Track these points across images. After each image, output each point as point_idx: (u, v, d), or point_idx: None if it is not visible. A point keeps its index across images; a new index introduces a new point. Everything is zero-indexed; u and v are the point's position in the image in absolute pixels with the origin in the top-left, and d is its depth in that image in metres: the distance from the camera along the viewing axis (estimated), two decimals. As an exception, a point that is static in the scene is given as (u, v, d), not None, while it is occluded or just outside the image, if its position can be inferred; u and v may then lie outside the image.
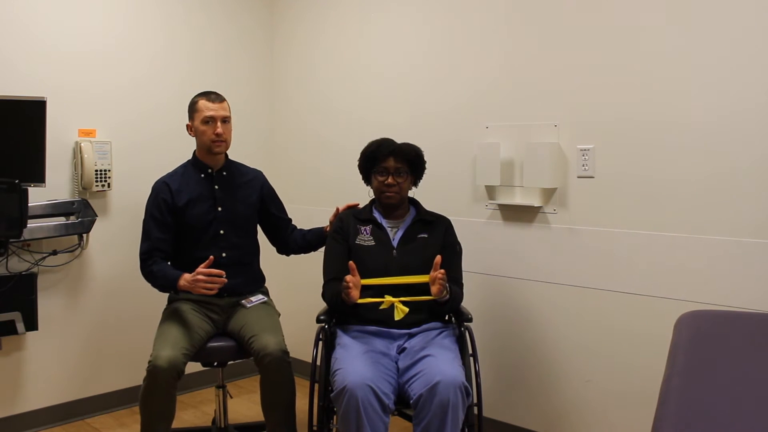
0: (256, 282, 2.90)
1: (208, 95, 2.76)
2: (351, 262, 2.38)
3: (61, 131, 3.08)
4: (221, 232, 2.75)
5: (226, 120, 2.74)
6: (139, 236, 2.68)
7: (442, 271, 2.33)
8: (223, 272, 2.53)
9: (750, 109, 2.25)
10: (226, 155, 2.85)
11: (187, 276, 2.56)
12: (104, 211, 3.26)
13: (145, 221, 2.76)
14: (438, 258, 2.35)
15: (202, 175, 2.78)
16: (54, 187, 3.04)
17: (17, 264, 2.98)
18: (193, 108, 2.76)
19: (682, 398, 1.22)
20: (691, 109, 2.37)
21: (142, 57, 3.37)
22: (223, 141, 2.74)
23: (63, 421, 3.19)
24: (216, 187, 2.78)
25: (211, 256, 2.56)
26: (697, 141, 2.37)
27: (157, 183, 2.79)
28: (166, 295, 2.90)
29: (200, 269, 2.52)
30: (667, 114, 2.43)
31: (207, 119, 2.70)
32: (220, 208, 2.76)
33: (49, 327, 3.12)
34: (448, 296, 2.39)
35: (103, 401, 3.32)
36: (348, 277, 2.34)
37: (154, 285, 2.70)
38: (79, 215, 3.10)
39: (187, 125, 2.79)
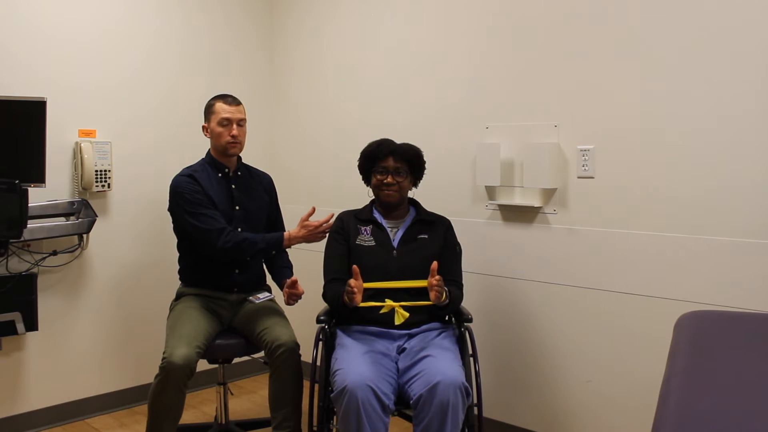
0: (262, 279, 2.95)
1: (225, 98, 2.80)
2: (355, 266, 2.38)
3: (61, 131, 3.08)
4: (239, 230, 2.76)
5: (241, 123, 2.79)
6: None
7: (438, 277, 2.33)
8: (333, 214, 2.70)
9: (750, 109, 2.25)
10: (239, 157, 2.89)
11: (293, 232, 2.70)
12: (104, 211, 3.26)
13: (188, 212, 2.66)
14: (434, 264, 2.34)
15: (220, 175, 2.80)
16: (54, 187, 3.04)
17: (17, 264, 2.98)
18: (209, 110, 2.80)
19: (682, 399, 1.22)
20: (691, 109, 2.37)
21: (143, 57, 3.37)
22: (238, 143, 2.78)
23: (63, 421, 3.19)
24: (233, 186, 2.82)
25: (313, 206, 2.74)
26: (696, 141, 2.37)
27: (180, 177, 2.73)
28: (168, 295, 2.91)
29: (308, 222, 2.69)
30: (667, 114, 2.43)
31: (223, 121, 2.74)
32: (237, 207, 2.79)
33: (49, 327, 3.12)
34: (447, 301, 2.40)
35: (103, 401, 3.32)
36: (352, 282, 2.34)
37: (249, 251, 2.67)
38: (79, 215, 3.10)
39: (203, 126, 2.83)
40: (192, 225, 2.66)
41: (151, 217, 3.38)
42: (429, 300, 2.37)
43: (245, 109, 2.84)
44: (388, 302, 2.35)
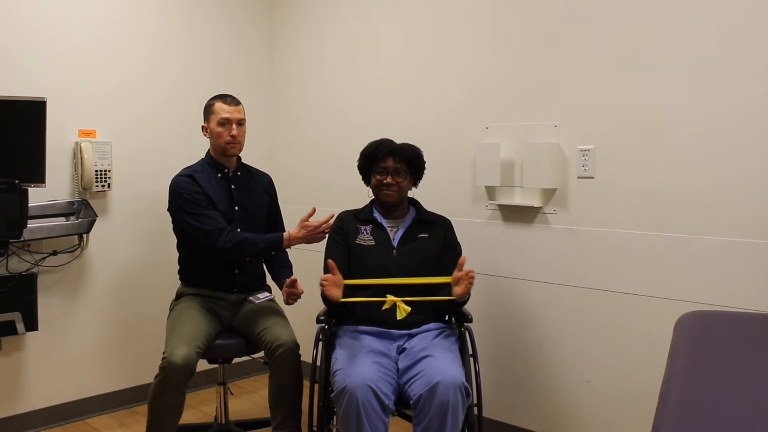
0: (262, 279, 2.95)
1: (224, 98, 2.80)
2: (330, 260, 2.38)
3: (61, 131, 3.08)
4: (238, 230, 2.76)
5: (241, 122, 2.79)
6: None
7: (471, 270, 2.33)
8: (334, 214, 2.69)
9: (750, 109, 2.25)
10: (239, 157, 2.88)
11: (293, 232, 2.71)
12: (104, 211, 3.26)
13: (187, 212, 2.66)
14: (463, 258, 2.35)
15: (219, 175, 2.81)
16: (54, 187, 3.04)
17: (17, 264, 2.98)
18: (209, 110, 2.80)
19: (682, 399, 1.22)
20: (691, 109, 2.37)
21: (143, 58, 3.37)
22: (237, 143, 2.78)
23: (63, 421, 3.19)
24: (233, 186, 2.82)
25: (314, 207, 2.76)
26: (697, 141, 2.37)
27: (179, 177, 2.74)
28: (168, 295, 2.91)
29: (308, 222, 2.69)
30: (667, 114, 2.43)
31: (223, 121, 2.74)
32: (237, 208, 2.80)
33: (49, 327, 3.12)
34: (468, 297, 2.40)
35: (103, 401, 3.32)
36: (323, 276, 2.34)
37: (249, 251, 2.68)
38: (79, 215, 3.10)
39: (203, 126, 2.83)
40: (191, 225, 2.66)
41: (151, 217, 3.38)
42: (428, 298, 2.37)
43: (245, 109, 2.84)
44: (390, 297, 2.35)
